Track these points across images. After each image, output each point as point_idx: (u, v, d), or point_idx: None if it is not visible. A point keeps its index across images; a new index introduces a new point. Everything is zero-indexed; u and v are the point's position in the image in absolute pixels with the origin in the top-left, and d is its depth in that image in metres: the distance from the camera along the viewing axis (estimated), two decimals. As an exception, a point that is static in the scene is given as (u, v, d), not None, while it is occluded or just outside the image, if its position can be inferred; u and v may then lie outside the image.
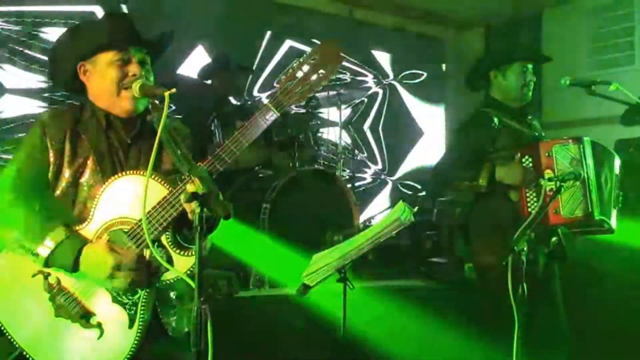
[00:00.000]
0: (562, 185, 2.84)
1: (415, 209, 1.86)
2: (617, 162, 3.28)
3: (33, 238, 1.91)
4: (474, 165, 3.19)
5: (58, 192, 2.03)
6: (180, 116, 4.77)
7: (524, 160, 3.13)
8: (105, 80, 2.05)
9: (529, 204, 3.11)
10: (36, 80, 5.12)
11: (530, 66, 3.37)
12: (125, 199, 1.96)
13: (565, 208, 3.02)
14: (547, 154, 3.07)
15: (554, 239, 3.07)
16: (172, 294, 2.06)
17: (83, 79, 2.10)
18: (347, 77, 7.05)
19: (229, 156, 1.94)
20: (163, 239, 1.92)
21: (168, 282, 1.95)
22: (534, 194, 3.09)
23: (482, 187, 3.17)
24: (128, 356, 1.91)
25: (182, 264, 1.90)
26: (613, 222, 3.19)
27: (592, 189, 3.05)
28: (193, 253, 1.87)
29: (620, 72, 6.41)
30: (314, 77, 2.00)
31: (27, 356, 1.95)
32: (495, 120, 3.25)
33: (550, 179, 2.90)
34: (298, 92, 2.00)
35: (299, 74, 2.00)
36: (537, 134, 3.37)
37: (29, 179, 2.02)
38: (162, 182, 1.94)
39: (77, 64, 2.09)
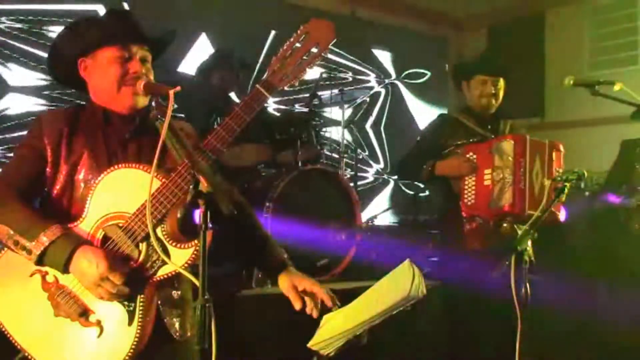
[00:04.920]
0: (565, 185, 2.85)
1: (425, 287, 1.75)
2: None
3: (28, 235, 1.86)
4: (425, 159, 3.51)
5: (56, 190, 2.00)
6: (182, 115, 4.76)
7: (469, 155, 3.43)
8: (105, 77, 2.01)
9: (466, 195, 3.41)
10: (40, 79, 5.13)
11: (493, 79, 3.59)
12: (118, 192, 1.90)
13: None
14: (488, 151, 3.36)
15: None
16: (175, 294, 2.01)
17: (83, 74, 2.07)
18: (349, 76, 7.05)
19: (220, 143, 1.88)
20: (158, 231, 1.85)
21: (166, 276, 1.88)
22: (472, 184, 3.39)
23: (422, 178, 3.51)
24: (130, 354, 1.85)
25: (179, 257, 1.83)
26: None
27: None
28: (190, 246, 1.83)
29: (624, 72, 6.40)
30: (306, 56, 1.93)
31: (30, 358, 1.92)
32: (452, 119, 3.66)
33: (554, 179, 2.90)
34: (289, 72, 1.93)
35: (290, 54, 1.93)
36: (493, 136, 3.56)
37: (27, 177, 1.99)
38: (155, 175, 1.87)
39: (78, 59, 2.05)
